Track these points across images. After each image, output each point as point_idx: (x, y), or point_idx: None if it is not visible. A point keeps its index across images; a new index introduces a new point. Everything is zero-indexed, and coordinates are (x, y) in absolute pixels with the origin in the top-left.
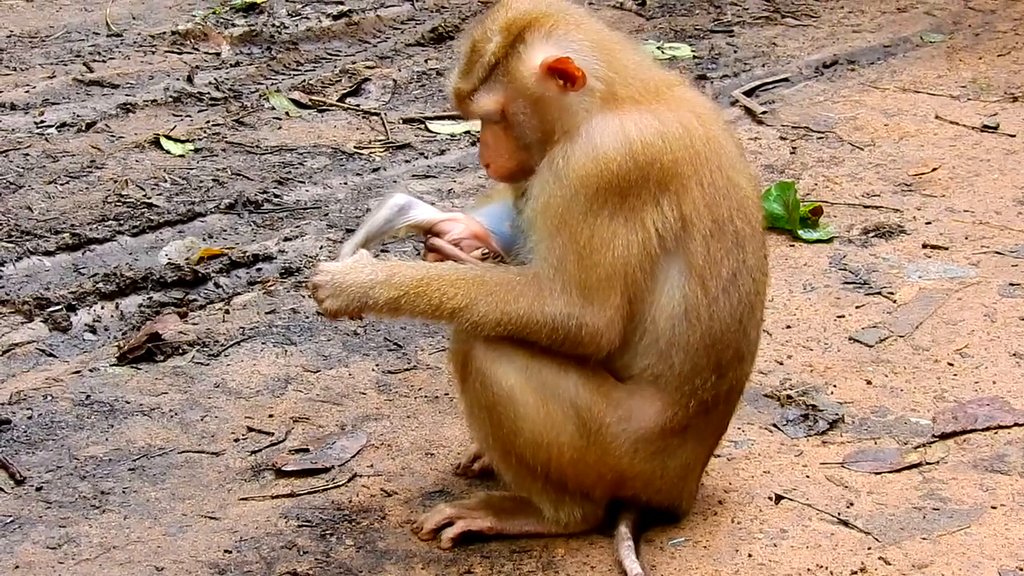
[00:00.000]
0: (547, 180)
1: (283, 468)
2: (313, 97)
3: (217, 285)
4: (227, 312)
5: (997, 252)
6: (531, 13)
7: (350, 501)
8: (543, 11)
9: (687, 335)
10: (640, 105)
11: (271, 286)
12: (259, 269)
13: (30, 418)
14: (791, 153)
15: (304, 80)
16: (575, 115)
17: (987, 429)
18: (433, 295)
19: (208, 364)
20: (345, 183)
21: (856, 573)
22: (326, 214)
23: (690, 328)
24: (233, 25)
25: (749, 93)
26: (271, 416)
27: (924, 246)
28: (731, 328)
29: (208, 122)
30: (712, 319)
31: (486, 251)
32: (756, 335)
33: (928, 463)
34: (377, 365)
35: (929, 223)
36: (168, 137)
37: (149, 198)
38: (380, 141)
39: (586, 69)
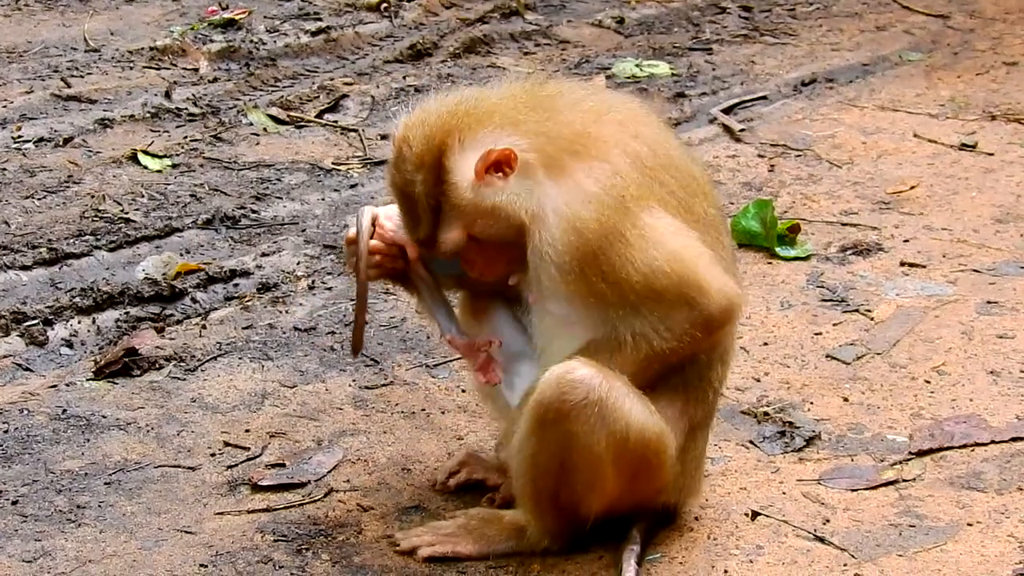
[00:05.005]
0: (553, 275)
1: (259, 483)
2: (291, 113)
3: (194, 300)
4: (204, 327)
5: (974, 270)
6: (434, 138)
7: (326, 516)
8: (442, 126)
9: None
10: (581, 158)
11: (248, 301)
12: (236, 284)
13: (6, 432)
14: (769, 171)
15: (282, 96)
16: (530, 195)
17: (964, 446)
18: None
19: (185, 379)
20: (323, 199)
21: None
22: (303, 230)
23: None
24: (211, 41)
25: (727, 111)
26: (247, 431)
27: (902, 264)
28: None
29: (186, 137)
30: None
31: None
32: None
33: (904, 480)
34: (354, 380)
35: (907, 241)
36: (146, 152)
37: (126, 213)
38: (358, 157)
39: (511, 150)
